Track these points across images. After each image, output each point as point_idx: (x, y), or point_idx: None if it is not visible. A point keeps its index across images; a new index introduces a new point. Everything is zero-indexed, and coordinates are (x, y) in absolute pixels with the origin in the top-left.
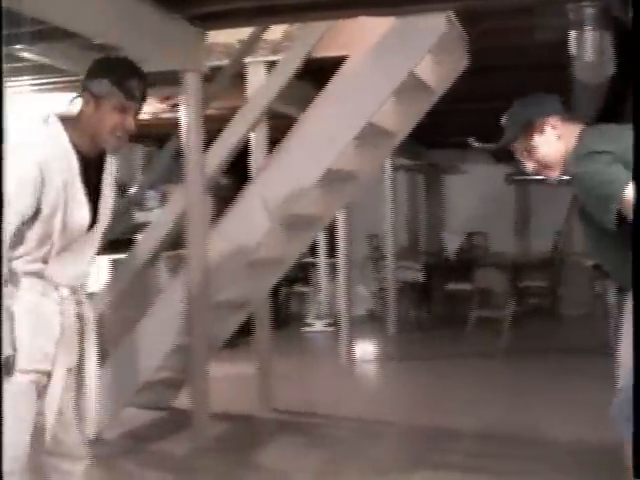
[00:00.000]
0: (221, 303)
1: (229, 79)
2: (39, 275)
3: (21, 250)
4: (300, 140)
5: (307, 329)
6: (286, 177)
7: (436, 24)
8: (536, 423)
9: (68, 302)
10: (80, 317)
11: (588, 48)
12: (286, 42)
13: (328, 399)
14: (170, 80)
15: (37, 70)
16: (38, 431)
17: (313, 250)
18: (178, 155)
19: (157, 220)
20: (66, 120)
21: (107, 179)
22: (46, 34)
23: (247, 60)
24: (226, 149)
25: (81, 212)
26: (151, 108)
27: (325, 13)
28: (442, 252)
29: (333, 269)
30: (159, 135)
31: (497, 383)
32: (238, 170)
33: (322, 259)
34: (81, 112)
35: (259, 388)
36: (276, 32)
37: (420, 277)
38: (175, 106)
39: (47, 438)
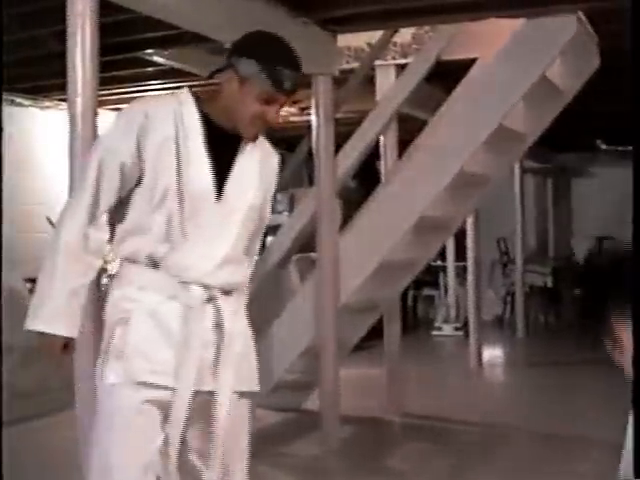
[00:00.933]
0: (351, 306)
1: (359, 82)
2: (161, 266)
3: (144, 236)
4: (431, 143)
5: (435, 332)
6: (418, 179)
7: (566, 25)
8: None
9: (200, 306)
10: (218, 328)
11: None
12: (415, 45)
13: (456, 403)
14: (301, 83)
15: (167, 75)
16: (159, 464)
17: (442, 253)
18: (308, 158)
19: (287, 223)
20: (202, 93)
21: (243, 157)
22: (176, 38)
23: (377, 63)
24: (356, 153)
25: (199, 174)
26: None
27: (454, 15)
28: (571, 256)
29: (462, 273)
30: (289, 138)
31: (628, 391)
32: (367, 174)
33: (451, 262)
34: (221, 87)
35: (388, 391)
36: (405, 35)
37: (549, 281)
38: (306, 109)
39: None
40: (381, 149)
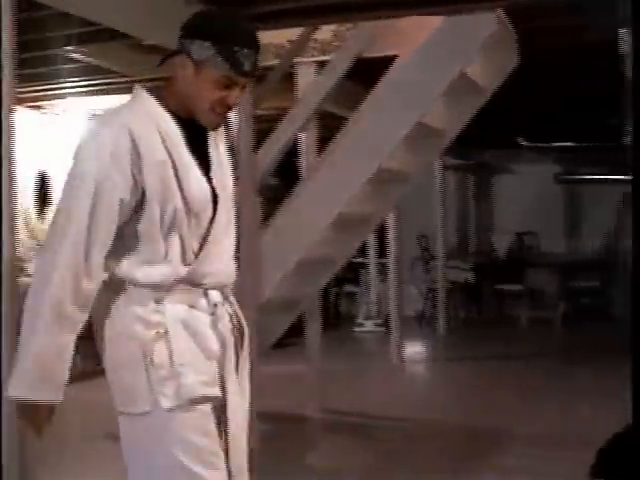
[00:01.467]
0: (271, 302)
1: (279, 79)
2: (185, 281)
3: (161, 264)
4: (350, 140)
5: (357, 329)
6: (337, 177)
7: (486, 22)
8: (589, 424)
9: (221, 309)
10: (235, 329)
11: None
12: (336, 42)
13: (378, 399)
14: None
15: (87, 71)
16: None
17: (363, 250)
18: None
19: None
20: (156, 87)
21: (218, 148)
22: (94, 35)
23: (297, 60)
24: (276, 150)
25: (198, 183)
26: None
27: (375, 12)
28: (492, 252)
29: (383, 269)
30: None
31: (549, 384)
32: (288, 171)
33: (372, 259)
34: (176, 75)
35: (309, 388)
36: (326, 32)
37: (470, 277)
38: None
39: None
40: (301, 146)
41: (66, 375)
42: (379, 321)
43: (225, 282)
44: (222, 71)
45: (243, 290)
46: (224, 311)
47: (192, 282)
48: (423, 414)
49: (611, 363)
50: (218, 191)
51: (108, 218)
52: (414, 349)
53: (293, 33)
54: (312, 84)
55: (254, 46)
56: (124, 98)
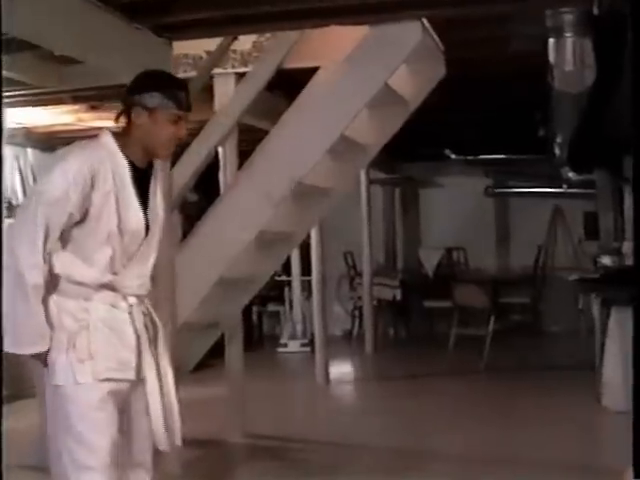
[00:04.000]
0: (190, 324)
1: (197, 92)
2: (109, 287)
3: (93, 267)
4: (270, 154)
5: (281, 349)
6: (256, 192)
7: (411, 33)
8: (520, 443)
9: (137, 311)
10: (147, 327)
11: (567, 56)
12: (256, 53)
13: (303, 422)
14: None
15: None
16: (120, 448)
17: (287, 268)
18: None
19: None
20: (115, 134)
21: (156, 186)
22: (4, 45)
23: (215, 72)
24: (194, 164)
25: (136, 217)
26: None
27: (296, 22)
28: (420, 269)
29: (308, 287)
30: None
31: (479, 402)
32: (207, 186)
33: (296, 277)
34: (132, 125)
35: (231, 412)
36: (245, 43)
37: (398, 295)
38: None
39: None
40: (221, 160)
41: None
42: (304, 341)
43: (141, 293)
44: (171, 110)
45: (158, 311)
46: (139, 312)
47: (115, 288)
48: (348, 437)
49: (544, 380)
50: (150, 222)
51: (58, 222)
52: (340, 369)
53: (211, 44)
54: (231, 96)
55: (185, 87)
56: (34, 111)
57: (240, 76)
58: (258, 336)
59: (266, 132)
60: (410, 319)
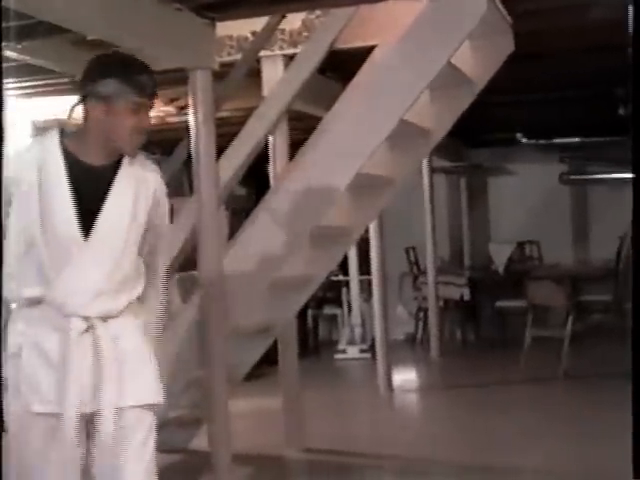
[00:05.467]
0: (241, 329)
1: (243, 76)
2: (40, 302)
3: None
4: (325, 142)
5: (339, 356)
6: (310, 185)
7: (475, 5)
8: (605, 460)
9: (78, 336)
10: (97, 354)
11: None
12: (306, 32)
13: (365, 435)
14: (177, 79)
15: (22, 71)
16: None
17: (344, 267)
18: (187, 164)
19: (167, 237)
20: (72, 132)
21: (125, 187)
22: (30, 30)
23: (262, 54)
24: (242, 156)
25: (63, 216)
26: (156, 112)
27: None
28: (490, 265)
29: (367, 288)
30: (166, 142)
31: (558, 414)
32: (256, 179)
33: (354, 277)
34: (88, 119)
35: (287, 425)
36: (294, 21)
37: (466, 294)
38: (183, 108)
39: None
40: (270, 151)
41: None
42: (364, 346)
43: (86, 314)
44: (130, 98)
45: (208, 317)
46: (85, 338)
47: (51, 304)
48: (414, 451)
49: (626, 388)
50: (99, 225)
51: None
52: (404, 377)
53: (257, 24)
54: (280, 81)
55: (147, 70)
56: (71, 100)
57: (289, 58)
58: (314, 342)
59: (319, 119)
60: (479, 321)
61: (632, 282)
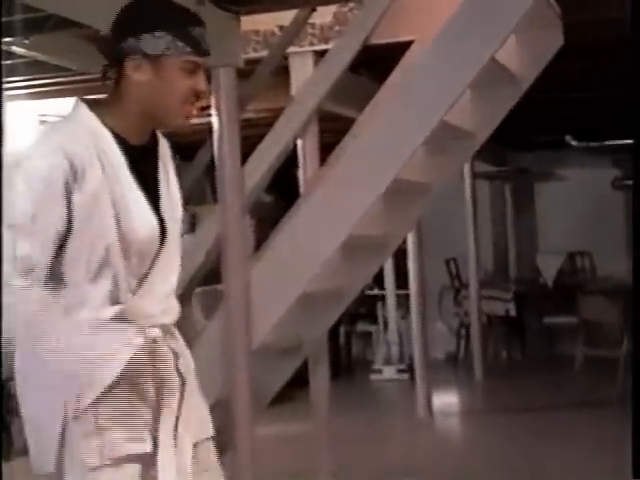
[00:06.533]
0: (267, 348)
1: (269, 74)
2: (119, 319)
3: (77, 295)
4: (359, 146)
5: (374, 377)
6: (344, 191)
7: None
8: None
9: (164, 349)
10: (179, 370)
11: None
12: (338, 26)
13: (403, 463)
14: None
15: (30, 68)
16: None
17: (379, 280)
18: (210, 169)
19: (188, 248)
20: (98, 103)
21: (168, 169)
22: (38, 24)
23: (291, 50)
24: (269, 160)
25: (143, 218)
26: None
27: None
28: (537, 278)
29: (404, 302)
30: (187, 145)
31: (611, 442)
32: (284, 185)
33: (390, 291)
34: (126, 85)
35: (318, 451)
36: (325, 15)
37: (511, 309)
38: (205, 109)
39: None
40: (299, 155)
41: None
42: (401, 366)
43: (167, 322)
44: (184, 56)
45: (232, 334)
46: (166, 348)
47: (129, 317)
48: (459, 479)
49: None
50: (166, 222)
51: (47, 252)
52: (445, 399)
53: (285, 17)
54: (310, 79)
55: (201, 22)
56: (70, 100)
57: (320, 55)
58: (347, 361)
59: (352, 120)
60: (526, 338)
61: (632, 280)
